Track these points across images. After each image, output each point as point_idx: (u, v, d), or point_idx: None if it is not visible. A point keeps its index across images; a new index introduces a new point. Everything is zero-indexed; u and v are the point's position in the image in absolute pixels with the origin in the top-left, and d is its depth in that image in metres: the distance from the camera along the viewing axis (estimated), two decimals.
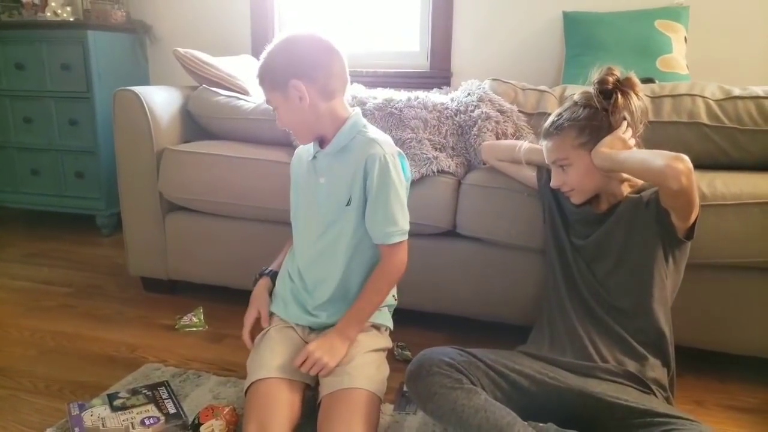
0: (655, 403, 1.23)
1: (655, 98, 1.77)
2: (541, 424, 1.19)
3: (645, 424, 1.16)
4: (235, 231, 2.05)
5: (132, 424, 1.36)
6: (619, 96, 1.37)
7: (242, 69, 2.41)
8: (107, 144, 2.86)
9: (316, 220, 1.45)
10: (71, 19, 2.95)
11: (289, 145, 1.99)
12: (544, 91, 2.02)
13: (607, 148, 1.35)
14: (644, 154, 1.28)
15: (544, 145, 1.47)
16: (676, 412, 1.18)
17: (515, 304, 1.78)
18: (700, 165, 1.71)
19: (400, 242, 1.41)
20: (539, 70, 2.67)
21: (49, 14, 2.91)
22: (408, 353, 1.77)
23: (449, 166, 1.81)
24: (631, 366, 1.31)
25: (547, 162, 1.48)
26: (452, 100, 2.00)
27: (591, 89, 1.39)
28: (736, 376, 1.69)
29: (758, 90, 1.73)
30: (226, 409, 1.38)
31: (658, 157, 1.23)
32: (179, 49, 2.26)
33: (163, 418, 1.38)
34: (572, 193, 1.44)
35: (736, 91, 1.74)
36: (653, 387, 1.29)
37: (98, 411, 1.40)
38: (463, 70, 2.82)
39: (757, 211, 1.53)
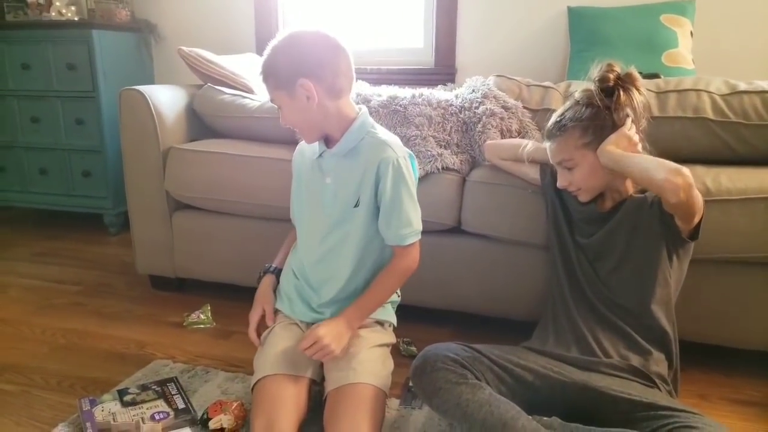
0: (658, 396, 1.24)
1: (660, 93, 1.77)
2: (545, 418, 1.19)
3: (648, 417, 1.16)
4: (242, 229, 2.06)
5: (142, 419, 1.37)
6: (621, 93, 1.36)
7: (246, 67, 2.42)
8: (114, 143, 2.88)
9: (321, 220, 1.45)
10: (76, 19, 2.96)
11: (294, 143, 1.99)
12: (549, 87, 2.03)
13: (612, 146, 1.34)
14: (647, 163, 1.28)
15: (547, 146, 1.46)
16: (679, 405, 1.19)
17: (520, 300, 1.79)
18: (705, 160, 1.72)
19: (414, 243, 1.42)
20: (544, 66, 2.67)
21: (53, 14, 2.93)
22: (413, 349, 1.78)
23: (454, 163, 1.82)
24: (635, 360, 1.32)
25: (551, 163, 1.48)
26: (457, 96, 2.01)
27: (592, 87, 1.39)
28: (740, 370, 1.70)
29: (764, 84, 1.72)
30: (234, 404, 1.40)
31: (659, 169, 1.23)
32: (184, 48, 2.27)
33: (172, 413, 1.40)
34: (579, 192, 1.44)
35: (742, 86, 1.74)
36: (657, 381, 1.30)
37: (109, 406, 1.42)
38: (468, 67, 2.82)
39: (762, 206, 1.53)
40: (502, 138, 1.90)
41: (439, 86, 2.33)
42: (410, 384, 1.45)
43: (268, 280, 1.59)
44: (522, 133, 1.96)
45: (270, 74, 1.34)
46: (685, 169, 1.21)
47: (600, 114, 1.36)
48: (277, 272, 1.60)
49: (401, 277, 1.45)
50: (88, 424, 1.35)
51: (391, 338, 1.52)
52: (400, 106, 1.93)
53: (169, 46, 3.18)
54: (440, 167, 1.80)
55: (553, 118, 1.44)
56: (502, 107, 1.92)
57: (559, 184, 1.46)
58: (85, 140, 2.94)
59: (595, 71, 1.40)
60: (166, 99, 2.15)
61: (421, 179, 1.77)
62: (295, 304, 1.51)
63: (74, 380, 1.63)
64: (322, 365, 1.42)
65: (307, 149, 1.50)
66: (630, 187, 1.43)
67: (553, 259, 1.56)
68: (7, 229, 3.15)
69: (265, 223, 2.02)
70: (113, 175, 2.92)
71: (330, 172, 1.43)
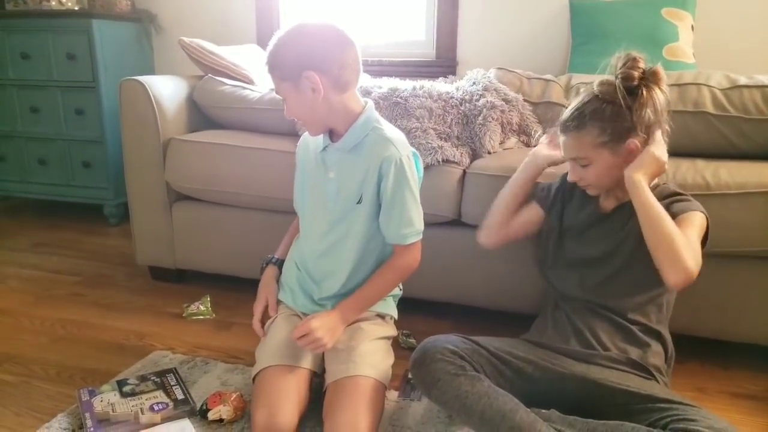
0: (657, 389, 1.24)
1: None
2: (543, 411, 1.20)
3: (647, 409, 1.17)
4: (242, 220, 2.06)
5: (141, 409, 1.38)
6: (644, 92, 1.29)
7: (247, 58, 2.41)
8: (114, 133, 2.88)
9: (324, 214, 1.44)
10: (76, 8, 2.95)
11: (295, 135, 2.00)
12: (550, 81, 2.02)
13: (642, 173, 1.29)
14: (676, 234, 1.23)
15: (561, 139, 1.39)
16: (678, 397, 1.19)
17: (520, 293, 1.79)
18: (705, 154, 1.72)
19: (416, 242, 1.42)
20: (545, 59, 2.66)
21: (54, 3, 2.91)
22: (413, 341, 1.78)
23: (454, 156, 1.81)
24: (633, 353, 1.32)
25: (564, 157, 1.42)
26: (457, 89, 2.00)
27: (613, 80, 1.31)
28: (738, 364, 1.70)
29: (764, 79, 1.72)
30: (234, 396, 1.40)
31: (685, 250, 1.22)
32: (185, 39, 2.27)
33: (171, 404, 1.41)
34: (588, 187, 1.40)
35: (742, 80, 1.73)
36: (655, 373, 1.31)
37: (108, 397, 1.42)
38: (469, 59, 2.81)
39: (761, 200, 1.53)
40: (502, 130, 1.90)
41: (440, 78, 2.33)
42: (409, 376, 1.45)
43: (270, 271, 1.59)
44: (522, 127, 1.96)
45: (275, 66, 1.32)
46: (700, 259, 1.23)
47: (621, 114, 1.29)
48: (280, 263, 1.60)
49: (401, 274, 1.45)
50: (87, 415, 1.35)
51: (392, 331, 1.53)
52: (401, 98, 1.93)
53: (170, 37, 3.17)
54: (440, 159, 1.79)
55: (570, 110, 1.36)
56: (503, 100, 1.92)
57: (570, 178, 1.42)
58: (85, 131, 2.93)
59: (619, 64, 1.32)
60: (167, 90, 2.15)
61: (423, 173, 1.76)
62: (297, 296, 1.51)
63: (73, 371, 1.63)
64: (323, 357, 1.42)
65: (311, 141, 1.49)
66: None
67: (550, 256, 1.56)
68: (6, 220, 3.15)
69: (266, 215, 2.02)
70: (113, 165, 2.91)
71: (333, 167, 1.41)
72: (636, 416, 1.17)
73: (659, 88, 1.31)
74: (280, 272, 1.59)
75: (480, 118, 1.87)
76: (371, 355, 1.37)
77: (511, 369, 1.29)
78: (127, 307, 2.05)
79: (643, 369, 1.30)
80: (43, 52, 2.89)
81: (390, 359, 1.45)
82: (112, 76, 2.85)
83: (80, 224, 3.04)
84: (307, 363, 1.38)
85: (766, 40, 2.46)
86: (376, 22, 2.99)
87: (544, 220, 1.53)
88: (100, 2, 3.03)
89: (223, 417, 1.36)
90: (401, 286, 1.58)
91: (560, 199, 1.51)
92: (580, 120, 1.32)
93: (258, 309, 1.51)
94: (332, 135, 1.42)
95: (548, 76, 2.05)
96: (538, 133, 1.91)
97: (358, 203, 1.39)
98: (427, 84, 2.00)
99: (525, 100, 1.97)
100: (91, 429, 1.32)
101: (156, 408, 1.39)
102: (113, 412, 1.37)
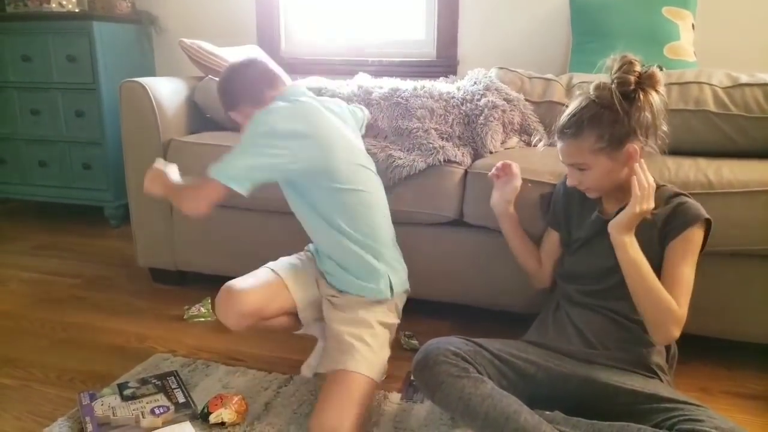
0: (660, 387, 1.24)
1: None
2: (547, 413, 1.19)
3: (652, 410, 1.16)
4: (243, 222, 2.06)
5: (142, 413, 1.37)
6: (641, 96, 1.27)
7: None
8: (114, 135, 2.88)
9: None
10: (77, 10, 2.95)
11: None
12: (551, 80, 2.02)
13: (627, 232, 1.29)
14: (658, 290, 1.25)
15: (558, 145, 1.38)
16: (682, 396, 1.19)
17: (522, 293, 1.79)
18: (706, 152, 1.71)
19: (212, 180, 1.34)
20: (546, 58, 2.66)
21: (54, 5, 2.91)
22: (415, 342, 1.78)
23: (455, 156, 1.81)
24: (636, 352, 1.32)
25: (562, 162, 1.40)
26: (459, 89, 2.00)
27: (609, 84, 1.29)
28: (742, 363, 1.70)
29: (766, 77, 1.71)
30: (235, 399, 1.40)
31: (667, 319, 1.25)
32: (185, 40, 2.27)
33: (172, 408, 1.40)
34: (588, 190, 1.39)
35: (744, 79, 1.73)
36: (658, 372, 1.30)
37: (109, 400, 1.42)
38: (470, 59, 2.81)
39: (764, 198, 1.52)
40: (504, 130, 1.89)
41: (441, 78, 2.33)
42: (412, 378, 1.45)
43: None
44: (524, 126, 1.96)
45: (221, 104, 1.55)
46: (684, 320, 1.25)
47: (618, 119, 1.27)
48: None
49: (187, 200, 1.41)
50: (87, 419, 1.35)
51: (393, 318, 1.52)
52: (402, 98, 1.93)
53: (170, 38, 3.16)
54: (442, 159, 1.79)
55: (566, 116, 1.34)
56: (504, 99, 1.91)
57: (569, 182, 1.41)
58: (86, 132, 2.93)
59: (614, 67, 1.31)
60: (167, 91, 2.14)
61: (423, 171, 1.77)
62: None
63: (74, 374, 1.62)
64: (321, 313, 1.53)
65: None
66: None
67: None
68: (6, 222, 3.14)
69: (266, 216, 2.01)
70: (114, 167, 2.91)
71: None
72: (641, 416, 1.16)
73: (656, 90, 1.29)
74: None
75: (481, 117, 1.86)
76: (367, 350, 1.39)
77: (514, 370, 1.28)
78: (127, 310, 2.05)
79: (646, 368, 1.30)
80: (44, 54, 2.89)
81: (386, 354, 1.45)
82: (113, 78, 2.85)
83: (81, 226, 3.04)
84: (297, 295, 1.50)
85: (767, 38, 2.45)
86: (376, 22, 2.98)
87: (561, 236, 1.54)
88: (100, 4, 3.03)
89: (225, 420, 1.36)
90: (408, 288, 1.58)
91: (563, 212, 1.51)
92: (577, 127, 1.31)
93: None
94: None
95: (549, 76, 2.04)
96: (537, 137, 1.91)
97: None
98: (428, 84, 2.00)
99: (526, 100, 1.96)
100: None
101: (157, 411, 1.38)
102: (114, 416, 1.36)
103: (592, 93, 1.31)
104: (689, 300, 1.27)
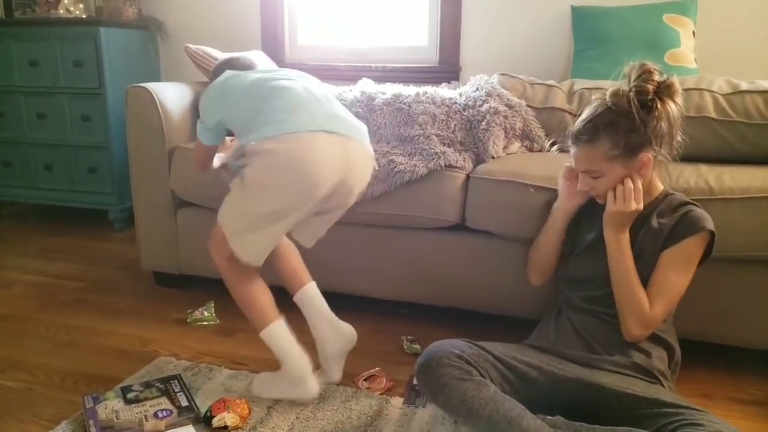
0: (662, 392, 1.24)
1: None
2: (549, 417, 1.20)
3: (653, 414, 1.17)
4: None
5: (145, 416, 1.38)
6: (659, 106, 1.27)
7: None
8: (119, 140, 2.89)
9: None
10: (84, 16, 2.98)
11: None
12: (552, 86, 2.03)
13: (614, 231, 1.34)
14: (637, 287, 1.32)
15: (572, 151, 1.38)
16: (683, 401, 1.19)
17: (524, 297, 1.79)
18: (707, 159, 1.72)
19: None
20: (547, 65, 2.67)
21: (62, 11, 2.94)
22: (417, 347, 1.78)
23: (457, 161, 1.81)
24: (638, 357, 1.32)
25: (575, 168, 1.41)
26: (461, 95, 2.01)
27: (625, 91, 1.29)
28: (744, 369, 1.70)
29: (766, 84, 1.72)
30: (238, 402, 1.40)
31: (636, 310, 1.30)
32: (190, 45, 2.28)
33: (175, 411, 1.41)
34: (599, 197, 1.40)
35: (744, 85, 1.74)
36: (659, 377, 1.30)
37: (112, 404, 1.43)
38: (472, 65, 2.82)
39: (765, 204, 1.53)
40: (505, 135, 1.90)
41: (443, 84, 2.33)
42: (414, 382, 1.45)
43: None
44: (525, 132, 1.97)
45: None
46: (654, 323, 1.30)
47: (635, 127, 1.27)
48: None
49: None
50: (91, 422, 1.36)
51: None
52: (404, 104, 1.94)
53: (176, 44, 3.18)
54: (443, 165, 1.79)
55: (581, 121, 1.34)
56: (506, 105, 1.92)
57: (580, 187, 1.41)
58: (91, 137, 2.95)
59: (633, 75, 1.31)
60: (173, 96, 2.16)
61: (425, 177, 1.78)
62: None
63: (78, 377, 1.63)
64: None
65: None
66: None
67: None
68: (12, 225, 3.16)
69: None
70: (119, 171, 2.93)
71: None
72: (642, 421, 1.16)
73: (673, 101, 1.29)
74: None
75: (483, 123, 1.87)
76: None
77: (516, 374, 1.28)
78: (131, 313, 2.06)
79: (648, 373, 1.30)
80: (51, 59, 2.91)
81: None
82: (119, 83, 2.87)
83: (85, 230, 3.05)
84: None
85: (767, 45, 2.46)
86: (380, 29, 2.99)
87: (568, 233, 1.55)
88: (107, 10, 3.05)
89: (228, 424, 1.36)
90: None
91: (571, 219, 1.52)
92: (593, 133, 1.31)
93: None
94: None
95: (551, 82, 2.05)
96: (549, 142, 1.90)
97: None
98: (430, 90, 2.01)
99: (528, 106, 1.97)
100: None
101: (160, 415, 1.39)
102: (117, 419, 1.37)
103: (608, 100, 1.31)
104: (670, 307, 1.31)
